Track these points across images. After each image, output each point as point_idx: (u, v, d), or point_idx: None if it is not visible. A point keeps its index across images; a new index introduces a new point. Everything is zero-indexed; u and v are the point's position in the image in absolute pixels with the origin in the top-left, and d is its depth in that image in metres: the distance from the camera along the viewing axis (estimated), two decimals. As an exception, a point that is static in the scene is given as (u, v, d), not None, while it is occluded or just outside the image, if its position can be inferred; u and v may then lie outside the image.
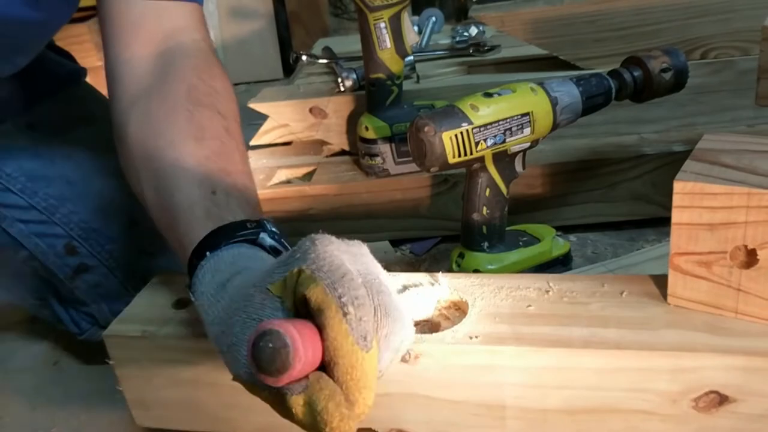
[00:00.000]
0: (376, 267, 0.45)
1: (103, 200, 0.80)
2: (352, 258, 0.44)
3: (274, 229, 0.56)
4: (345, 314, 0.39)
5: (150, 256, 0.79)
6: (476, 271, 0.82)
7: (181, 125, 0.62)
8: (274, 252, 0.54)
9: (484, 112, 0.75)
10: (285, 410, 0.41)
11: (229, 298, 0.48)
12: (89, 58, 1.93)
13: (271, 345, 0.37)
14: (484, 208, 0.81)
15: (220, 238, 0.53)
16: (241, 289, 0.47)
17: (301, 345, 0.38)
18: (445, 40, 1.49)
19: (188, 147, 0.61)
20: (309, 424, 0.40)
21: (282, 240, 0.56)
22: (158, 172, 0.61)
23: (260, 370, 0.38)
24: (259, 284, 0.45)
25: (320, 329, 0.40)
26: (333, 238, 0.44)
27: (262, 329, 0.38)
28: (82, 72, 0.92)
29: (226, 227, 0.54)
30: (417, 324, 0.59)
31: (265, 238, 0.54)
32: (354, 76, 1.19)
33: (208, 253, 0.52)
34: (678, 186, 0.50)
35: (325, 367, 0.40)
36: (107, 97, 0.70)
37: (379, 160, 1.07)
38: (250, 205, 0.59)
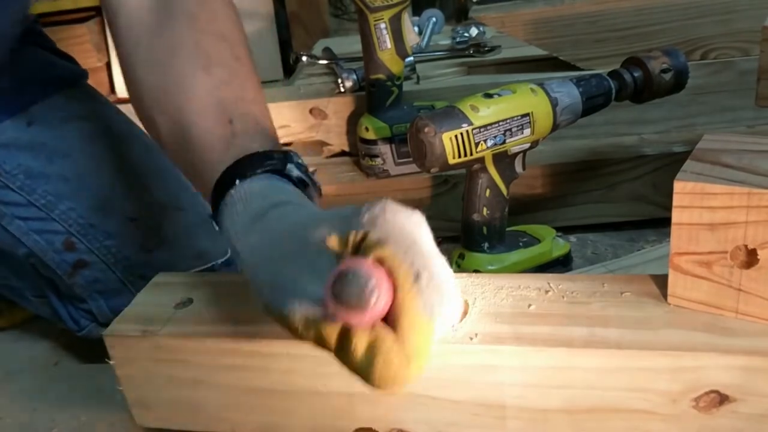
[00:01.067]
0: (431, 238, 0.44)
1: (101, 197, 0.80)
2: (417, 229, 0.43)
3: (300, 161, 0.55)
4: (416, 279, 0.40)
5: (148, 252, 0.79)
6: (476, 271, 0.82)
7: (186, 58, 0.60)
8: (301, 184, 0.53)
9: (484, 112, 0.75)
10: (341, 350, 0.41)
11: (272, 232, 0.47)
12: (89, 59, 1.93)
13: (360, 280, 0.38)
14: (485, 209, 0.81)
15: (246, 167, 0.52)
16: (288, 227, 0.46)
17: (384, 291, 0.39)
18: (446, 41, 1.49)
19: (198, 78, 0.58)
20: (363, 367, 0.40)
21: (308, 173, 0.55)
22: (171, 111, 0.59)
23: (343, 303, 0.39)
24: (312, 229, 0.44)
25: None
26: (400, 206, 0.43)
27: (353, 266, 0.39)
28: (83, 74, 0.92)
29: (252, 157, 0.53)
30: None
31: (293, 170, 0.53)
32: (354, 76, 1.19)
33: (237, 182, 0.51)
34: (678, 186, 0.50)
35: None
36: (105, 96, 0.70)
37: (379, 160, 1.07)
38: (268, 134, 0.58)
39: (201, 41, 0.60)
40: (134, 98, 0.65)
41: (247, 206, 0.50)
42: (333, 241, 0.43)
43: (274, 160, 0.53)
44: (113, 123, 0.86)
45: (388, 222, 0.42)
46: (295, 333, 0.42)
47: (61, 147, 0.81)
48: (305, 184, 0.54)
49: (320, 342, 0.42)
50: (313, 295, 0.41)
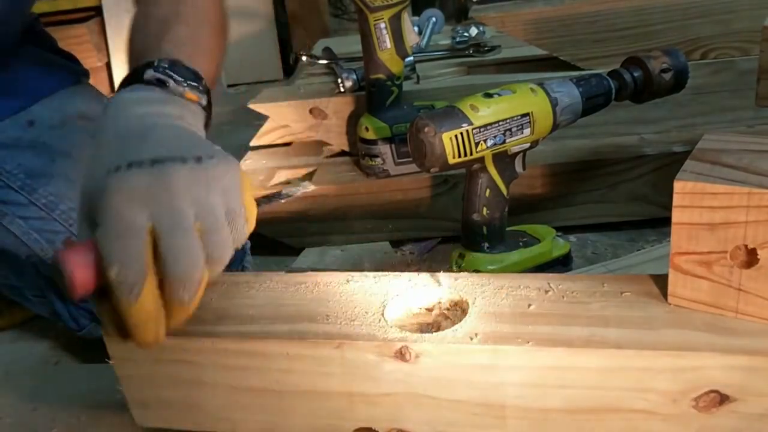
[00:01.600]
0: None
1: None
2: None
3: (165, 65, 0.56)
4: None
5: None
6: (476, 271, 0.82)
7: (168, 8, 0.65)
8: (160, 84, 0.54)
9: (484, 112, 0.75)
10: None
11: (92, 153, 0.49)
12: (89, 59, 1.94)
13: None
14: (484, 209, 0.81)
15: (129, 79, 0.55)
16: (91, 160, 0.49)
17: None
18: (445, 41, 1.49)
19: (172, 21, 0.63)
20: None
21: (169, 71, 0.55)
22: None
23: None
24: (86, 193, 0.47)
25: None
26: None
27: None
28: (84, 73, 0.92)
29: (140, 67, 0.55)
30: (417, 324, 0.59)
31: (150, 73, 0.55)
32: (354, 76, 1.19)
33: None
34: (678, 186, 0.50)
35: None
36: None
37: (379, 160, 1.07)
38: (175, 37, 0.61)
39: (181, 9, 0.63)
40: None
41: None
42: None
43: (137, 72, 0.55)
44: None
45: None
46: None
47: (62, 146, 0.81)
48: (163, 83, 0.54)
49: None
50: None
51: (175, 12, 0.64)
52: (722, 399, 0.48)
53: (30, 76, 0.85)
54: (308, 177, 1.16)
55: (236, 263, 0.86)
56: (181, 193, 0.44)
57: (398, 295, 0.58)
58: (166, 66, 0.55)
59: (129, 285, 0.43)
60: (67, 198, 0.79)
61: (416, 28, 1.15)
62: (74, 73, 0.92)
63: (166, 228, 0.43)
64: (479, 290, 0.58)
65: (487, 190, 0.80)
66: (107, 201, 0.44)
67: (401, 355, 0.52)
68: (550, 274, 0.60)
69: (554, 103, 0.78)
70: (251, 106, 1.22)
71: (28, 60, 0.86)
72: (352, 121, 1.16)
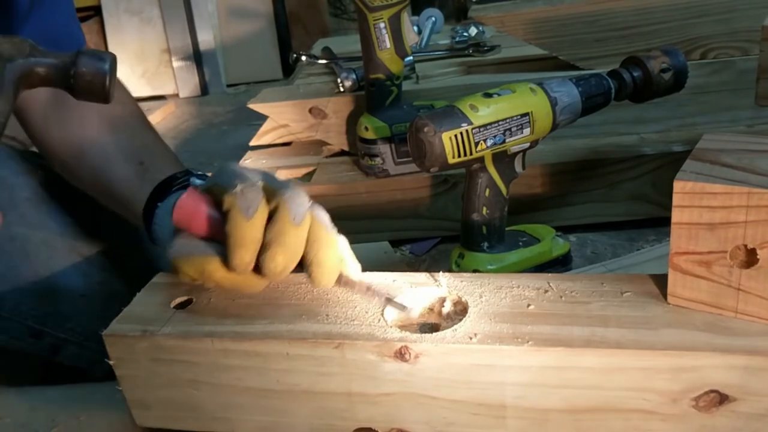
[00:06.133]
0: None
1: (43, 284, 0.79)
2: (251, 171, 0.55)
3: (199, 172, 0.69)
4: (234, 188, 0.52)
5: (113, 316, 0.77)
6: (476, 271, 0.82)
7: (94, 122, 0.75)
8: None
9: (483, 112, 0.75)
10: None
11: None
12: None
13: None
14: (484, 209, 0.81)
15: (161, 191, 0.67)
16: None
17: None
18: (445, 41, 1.50)
19: (107, 137, 0.74)
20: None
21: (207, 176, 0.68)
22: (90, 167, 0.74)
23: None
24: None
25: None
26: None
27: None
28: None
29: (164, 182, 0.68)
30: (417, 324, 0.59)
31: (195, 181, 0.65)
32: (353, 76, 1.19)
33: (159, 204, 0.66)
34: (678, 185, 0.50)
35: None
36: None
37: (378, 160, 1.07)
38: (173, 160, 0.74)
39: (104, 109, 0.68)
40: (52, 159, 0.78)
41: (169, 215, 0.62)
42: None
43: (179, 179, 0.68)
44: None
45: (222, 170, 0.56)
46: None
47: None
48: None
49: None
50: None
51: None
52: (722, 399, 0.48)
53: None
54: (308, 177, 1.17)
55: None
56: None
57: (398, 295, 0.58)
58: (201, 173, 0.69)
59: (247, 203, 0.51)
60: (7, 294, 0.78)
61: (416, 28, 1.15)
62: None
63: (276, 184, 0.54)
64: (479, 290, 0.58)
65: (487, 190, 0.80)
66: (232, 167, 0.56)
67: (401, 355, 0.52)
68: (550, 274, 0.60)
69: (554, 103, 0.78)
70: (251, 105, 1.22)
71: None
72: (352, 121, 1.16)
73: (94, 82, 0.53)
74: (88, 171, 0.75)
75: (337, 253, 0.54)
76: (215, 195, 0.55)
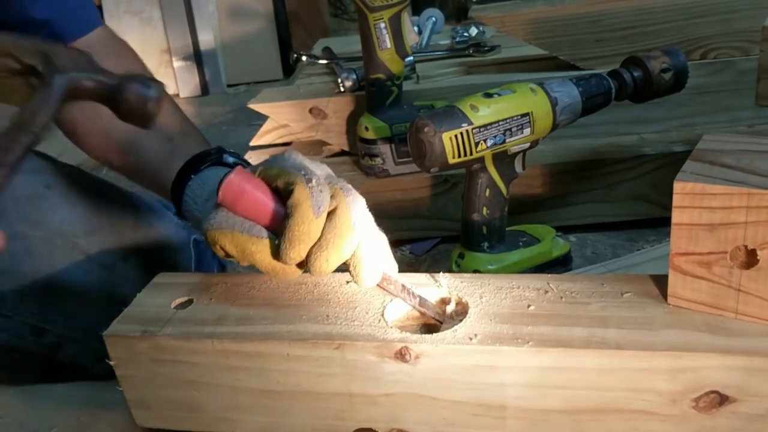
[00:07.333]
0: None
1: (44, 282, 0.78)
2: (314, 164, 0.57)
3: (231, 150, 0.71)
4: (308, 182, 0.52)
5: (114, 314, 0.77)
6: (476, 271, 0.82)
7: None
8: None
9: (483, 112, 0.75)
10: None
11: None
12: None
13: None
14: (484, 209, 0.81)
15: (194, 165, 0.68)
16: None
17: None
18: (445, 41, 1.49)
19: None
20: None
21: (241, 157, 0.72)
22: (119, 142, 0.77)
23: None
24: None
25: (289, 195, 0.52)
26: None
27: None
28: None
29: (197, 157, 0.69)
30: (417, 324, 0.59)
31: (228, 158, 0.69)
32: (354, 76, 1.19)
33: (192, 176, 0.67)
34: (678, 186, 0.50)
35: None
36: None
37: (379, 160, 1.07)
38: (202, 140, 0.76)
39: None
40: (79, 143, 0.81)
41: (203, 188, 0.66)
42: None
43: (212, 155, 0.69)
44: None
45: (284, 158, 0.56)
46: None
47: None
48: (242, 165, 0.63)
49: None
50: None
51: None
52: (722, 399, 0.48)
53: None
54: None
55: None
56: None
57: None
58: (233, 152, 0.72)
59: (319, 201, 0.52)
60: (8, 294, 0.77)
61: (416, 28, 1.15)
62: None
63: (335, 182, 0.56)
64: (479, 291, 0.58)
65: (487, 190, 0.80)
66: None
67: (401, 355, 0.52)
68: (550, 275, 0.60)
69: (554, 103, 0.78)
70: (251, 105, 1.22)
71: None
72: (352, 121, 1.16)
73: (139, 108, 0.55)
74: (117, 147, 0.77)
75: (380, 254, 0.56)
76: (266, 179, 0.54)
